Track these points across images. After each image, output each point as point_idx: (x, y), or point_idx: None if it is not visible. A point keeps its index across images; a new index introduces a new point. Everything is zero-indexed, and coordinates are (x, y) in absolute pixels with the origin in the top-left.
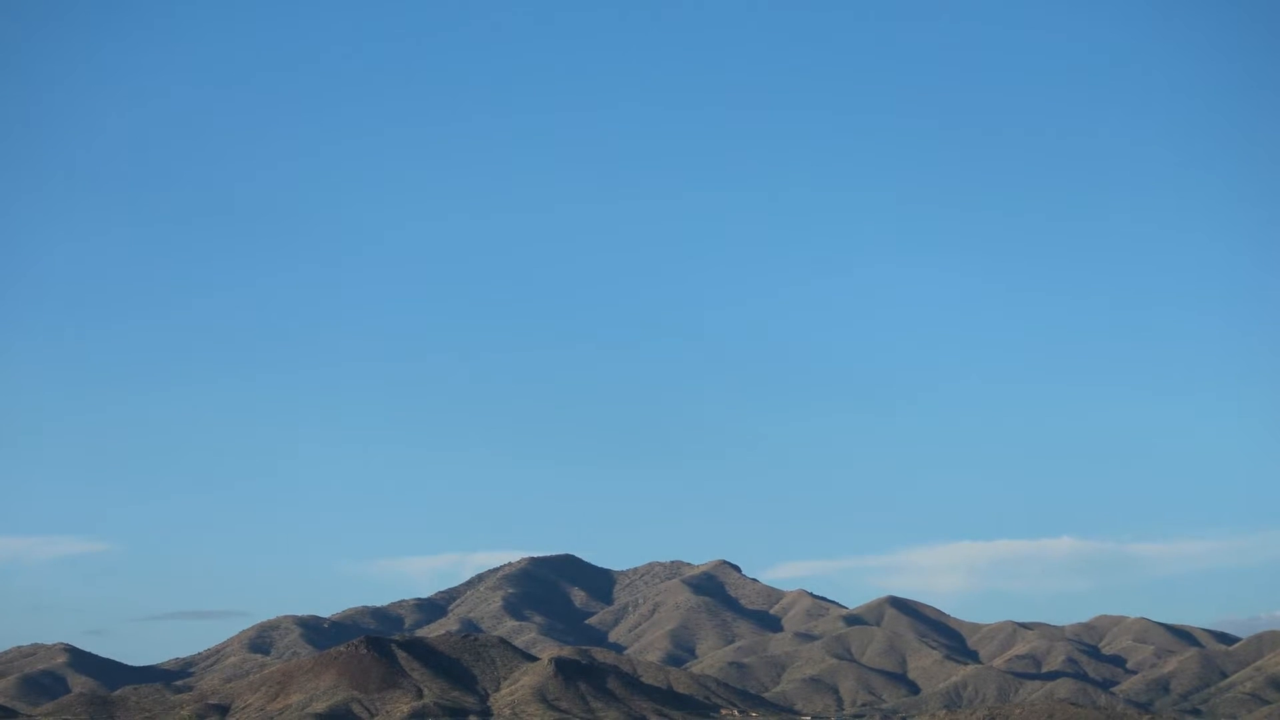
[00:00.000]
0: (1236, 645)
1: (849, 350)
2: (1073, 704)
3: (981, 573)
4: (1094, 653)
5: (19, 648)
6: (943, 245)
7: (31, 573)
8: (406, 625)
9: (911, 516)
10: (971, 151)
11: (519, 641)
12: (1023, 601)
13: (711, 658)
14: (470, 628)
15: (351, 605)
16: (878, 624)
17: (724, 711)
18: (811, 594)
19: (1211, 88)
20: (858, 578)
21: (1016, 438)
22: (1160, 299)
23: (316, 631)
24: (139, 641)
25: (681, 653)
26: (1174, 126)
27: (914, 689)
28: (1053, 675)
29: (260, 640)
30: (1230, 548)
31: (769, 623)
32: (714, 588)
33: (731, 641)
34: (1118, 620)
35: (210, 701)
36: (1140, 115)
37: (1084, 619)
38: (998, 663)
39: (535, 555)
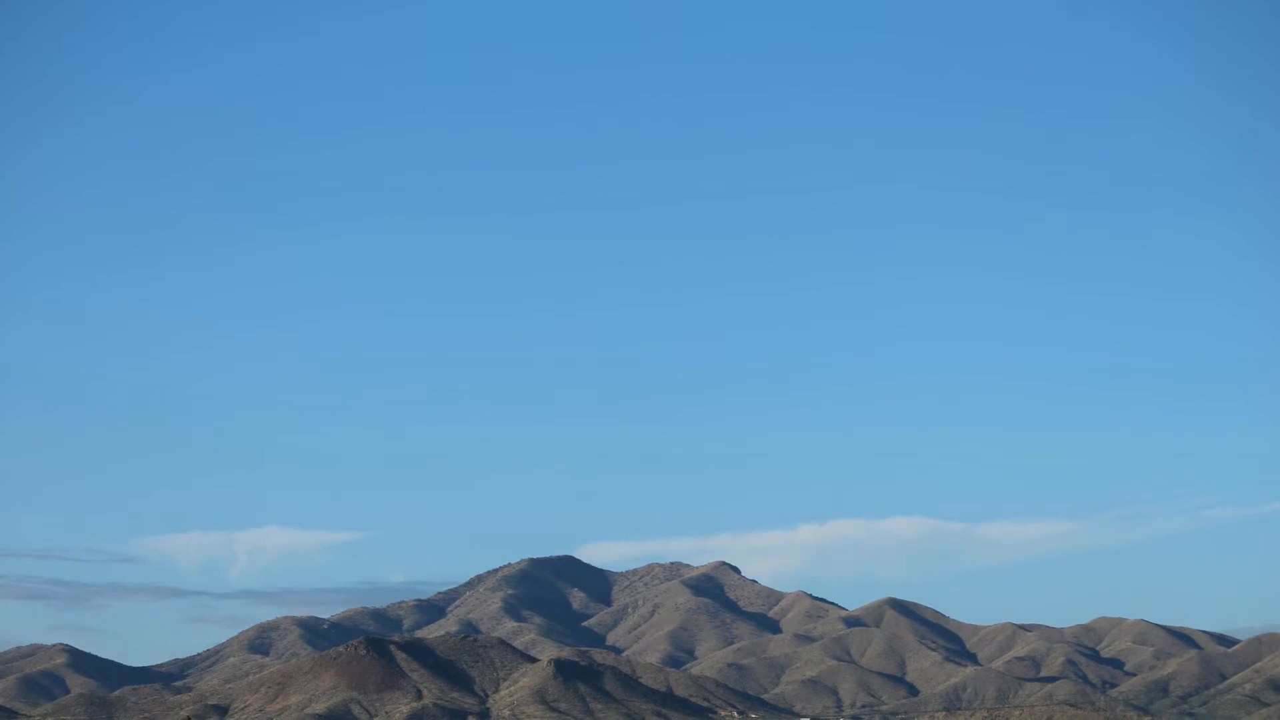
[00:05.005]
0: (1236, 647)
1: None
2: (1072, 706)
3: (816, 553)
4: (1093, 655)
5: (18, 648)
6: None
7: None
8: (406, 626)
9: (739, 501)
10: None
11: (518, 643)
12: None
13: (711, 659)
14: (469, 629)
15: (351, 606)
16: (877, 626)
17: (723, 713)
18: (811, 595)
19: (1216, 82)
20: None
21: (850, 415)
22: (1001, 272)
23: (316, 632)
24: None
25: (681, 654)
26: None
27: (913, 691)
28: (1052, 678)
29: (259, 641)
30: (1083, 528)
31: (768, 624)
32: (713, 589)
33: (731, 643)
34: (1117, 622)
35: (209, 702)
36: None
37: (1083, 620)
38: (997, 664)
39: (534, 557)
